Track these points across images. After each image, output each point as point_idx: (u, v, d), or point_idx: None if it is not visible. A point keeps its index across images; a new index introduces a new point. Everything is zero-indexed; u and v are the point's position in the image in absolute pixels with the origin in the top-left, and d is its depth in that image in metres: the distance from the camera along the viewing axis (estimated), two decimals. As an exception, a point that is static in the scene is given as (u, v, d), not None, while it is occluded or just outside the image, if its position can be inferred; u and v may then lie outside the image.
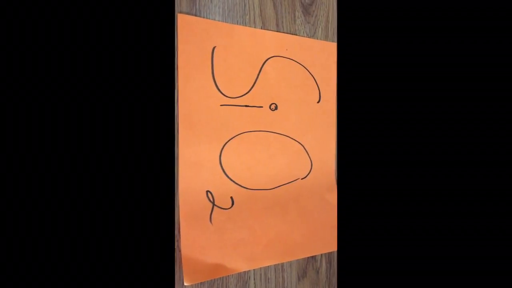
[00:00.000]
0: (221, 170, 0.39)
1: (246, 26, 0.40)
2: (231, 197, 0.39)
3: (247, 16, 0.40)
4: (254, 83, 0.41)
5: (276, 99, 0.43)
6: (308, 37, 0.45)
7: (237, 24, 0.40)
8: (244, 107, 0.40)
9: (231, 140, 0.40)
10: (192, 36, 0.37)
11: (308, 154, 0.45)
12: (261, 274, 0.41)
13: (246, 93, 0.41)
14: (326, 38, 0.46)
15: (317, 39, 0.46)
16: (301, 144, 0.45)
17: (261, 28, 0.41)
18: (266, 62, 0.42)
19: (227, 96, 0.39)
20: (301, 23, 0.44)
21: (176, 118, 0.36)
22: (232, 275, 0.39)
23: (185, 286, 0.35)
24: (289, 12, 0.43)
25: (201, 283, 0.37)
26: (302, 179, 0.45)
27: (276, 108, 0.43)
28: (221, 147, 0.39)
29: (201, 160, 0.38)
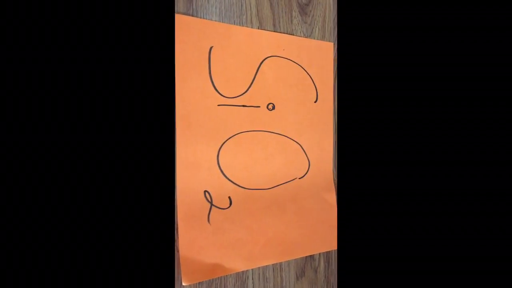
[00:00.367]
0: (219, 170, 0.39)
1: (243, 26, 0.40)
2: (229, 197, 0.39)
3: (244, 16, 0.40)
4: (252, 83, 0.41)
5: (273, 99, 0.43)
6: (305, 37, 0.45)
7: (234, 24, 0.40)
8: (242, 107, 0.40)
9: (228, 140, 0.40)
10: (189, 36, 0.37)
11: (305, 154, 0.46)
12: (259, 274, 0.41)
13: (244, 93, 0.41)
14: (323, 38, 0.46)
15: (314, 39, 0.46)
16: (299, 144, 0.45)
17: (258, 28, 0.41)
18: (263, 62, 0.42)
19: (224, 96, 0.39)
20: (298, 23, 0.44)
21: (174, 118, 0.36)
22: (231, 275, 0.39)
23: (183, 286, 0.35)
24: (286, 12, 0.43)
25: (199, 283, 0.37)
26: (299, 178, 0.45)
27: (273, 108, 0.43)
28: (219, 147, 0.39)
29: (199, 160, 0.38)
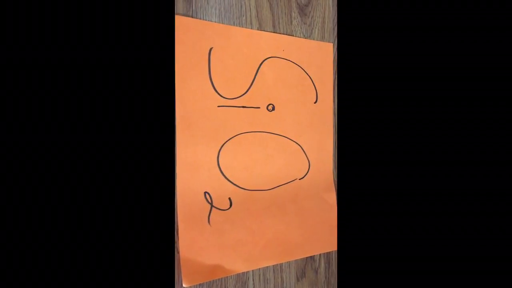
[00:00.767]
0: (219, 171, 0.39)
1: (242, 27, 0.40)
2: (229, 198, 0.39)
3: (244, 17, 0.40)
4: (251, 84, 0.41)
5: (273, 100, 0.43)
6: (305, 38, 0.45)
7: (234, 25, 0.40)
8: (241, 108, 0.40)
9: (228, 141, 0.40)
10: (189, 37, 0.37)
11: (305, 154, 0.46)
12: (260, 275, 0.41)
13: (243, 94, 0.41)
14: (322, 38, 0.47)
15: (314, 39, 0.46)
16: (299, 145, 0.45)
17: (258, 29, 0.41)
18: (263, 63, 0.42)
19: (224, 97, 0.39)
20: (298, 24, 0.45)
21: (174, 119, 0.36)
22: (231, 276, 0.39)
23: (184, 287, 0.35)
24: (285, 13, 0.43)
25: (200, 284, 0.37)
26: (300, 179, 0.45)
27: (273, 108, 0.43)
28: (219, 148, 0.39)
29: (199, 161, 0.38)
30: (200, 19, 0.38)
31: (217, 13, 0.39)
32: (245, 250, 0.39)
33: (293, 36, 0.44)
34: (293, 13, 0.44)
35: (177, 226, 0.35)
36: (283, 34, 0.43)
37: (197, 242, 0.36)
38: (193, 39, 0.37)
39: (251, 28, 0.41)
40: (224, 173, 0.39)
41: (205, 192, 0.38)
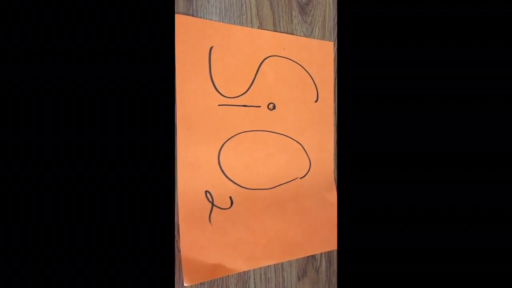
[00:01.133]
0: (219, 170, 0.39)
1: (243, 26, 0.40)
2: (230, 197, 0.39)
3: (244, 16, 0.40)
4: (252, 83, 0.41)
5: (274, 99, 0.43)
6: (305, 37, 0.45)
7: (234, 24, 0.40)
8: (242, 107, 0.40)
9: (229, 140, 0.40)
10: (189, 36, 0.37)
11: (306, 153, 0.46)
12: (261, 274, 0.41)
13: (244, 93, 0.41)
14: (323, 37, 0.46)
15: (314, 38, 0.46)
16: (300, 144, 0.45)
17: (258, 28, 0.41)
18: (264, 61, 0.42)
19: (225, 96, 0.39)
20: (298, 23, 0.44)
21: (174, 118, 0.36)
22: (232, 275, 0.39)
23: (185, 286, 0.35)
24: (286, 12, 0.43)
25: (201, 283, 0.37)
26: (300, 178, 0.45)
27: (274, 107, 0.43)
28: (220, 147, 0.39)
29: (200, 161, 0.38)
30: (200, 18, 0.38)
31: (218, 12, 0.39)
32: (246, 249, 0.39)
33: (293, 35, 0.44)
34: (293, 12, 0.44)
35: (178, 225, 0.35)
36: (284, 33, 0.43)
37: (198, 241, 0.36)
38: (193, 38, 0.37)
39: (252, 27, 0.41)
40: (225, 172, 0.39)
41: (206, 191, 0.38)
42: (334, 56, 0.47)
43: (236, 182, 0.40)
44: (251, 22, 0.41)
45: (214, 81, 0.38)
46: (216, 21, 0.38)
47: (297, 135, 0.45)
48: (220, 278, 0.38)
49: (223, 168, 0.39)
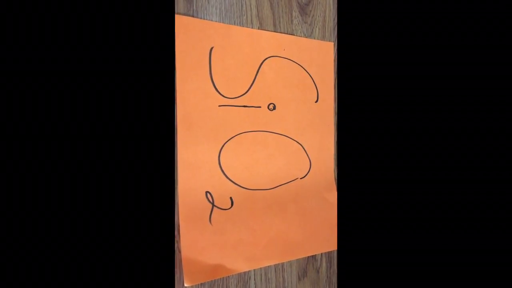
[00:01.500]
0: (220, 171, 0.39)
1: (243, 26, 0.40)
2: (231, 198, 0.39)
3: (244, 17, 0.40)
4: (252, 83, 0.41)
5: (274, 99, 0.43)
6: (305, 37, 0.45)
7: (235, 24, 0.40)
8: (242, 108, 0.40)
9: (229, 141, 0.40)
10: (190, 37, 0.37)
11: (306, 154, 0.46)
12: (261, 274, 0.41)
13: (244, 93, 0.41)
14: (323, 37, 0.46)
15: (314, 38, 0.46)
16: (300, 144, 0.45)
17: (258, 29, 0.41)
18: (264, 62, 0.42)
19: (225, 97, 0.39)
20: (298, 23, 0.45)
21: (175, 119, 0.36)
22: (233, 275, 0.39)
23: (186, 286, 0.35)
24: (286, 12, 0.43)
25: (201, 283, 0.37)
26: (301, 178, 0.45)
27: (274, 108, 0.43)
28: (220, 147, 0.39)
29: (200, 161, 0.38)
30: (200, 18, 0.38)
31: (218, 13, 0.39)
32: (247, 250, 0.39)
33: (294, 35, 0.44)
34: (293, 12, 0.44)
35: (179, 225, 0.35)
36: (284, 33, 0.43)
37: (198, 242, 0.36)
38: (193, 39, 0.37)
39: (252, 28, 0.41)
40: (225, 173, 0.39)
41: (207, 192, 0.38)
42: (334, 57, 0.47)
43: (236, 182, 0.40)
44: (251, 23, 0.41)
45: (214, 82, 0.38)
46: (216, 21, 0.39)
47: (297, 135, 0.45)
48: (220, 278, 0.38)
49: (223, 169, 0.39)
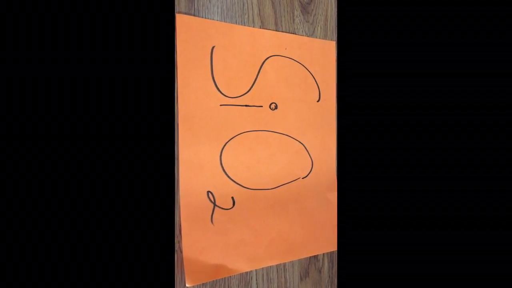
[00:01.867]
0: (221, 170, 0.39)
1: (245, 25, 0.40)
2: (232, 197, 0.39)
3: (246, 16, 0.40)
4: (254, 82, 0.41)
5: (275, 99, 0.42)
6: (307, 36, 0.45)
7: (236, 23, 0.40)
8: (244, 107, 0.40)
9: (231, 140, 0.40)
10: (191, 36, 0.37)
11: (308, 153, 0.45)
12: (263, 275, 0.41)
13: (246, 92, 0.40)
14: (325, 36, 0.46)
15: (316, 38, 0.45)
16: (302, 143, 0.45)
17: (260, 28, 0.41)
18: (266, 61, 0.42)
19: (226, 96, 0.39)
20: (300, 22, 0.44)
21: (176, 118, 0.36)
22: (234, 275, 0.39)
23: (187, 287, 0.35)
24: (287, 11, 0.43)
25: (203, 284, 0.36)
26: (302, 178, 0.45)
27: (276, 107, 0.43)
28: (221, 147, 0.39)
29: (202, 161, 0.37)
30: (202, 17, 0.37)
31: (219, 12, 0.39)
32: (248, 250, 0.39)
33: (295, 34, 0.44)
34: (295, 11, 0.44)
35: (180, 225, 0.35)
36: (286, 32, 0.43)
37: (200, 242, 0.36)
38: (195, 38, 0.37)
39: (253, 27, 0.41)
40: (227, 172, 0.39)
41: (208, 192, 0.38)
42: (336, 56, 0.47)
43: (238, 182, 0.40)
44: (253, 22, 0.41)
45: (215, 81, 0.38)
46: (217, 20, 0.38)
47: (299, 135, 0.45)
48: (222, 278, 0.38)
49: (225, 168, 0.39)
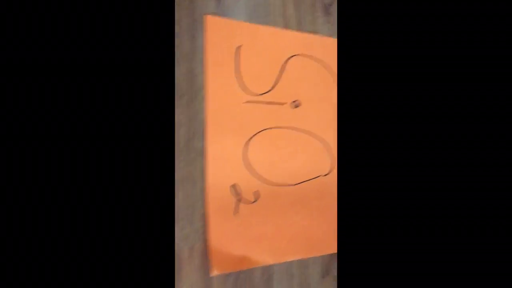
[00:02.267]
0: (245, 165, 0.40)
1: (269, 25, 0.42)
2: (256, 192, 0.40)
3: (270, 16, 0.42)
4: (277, 81, 0.42)
5: (298, 96, 0.44)
6: (329, 36, 0.46)
7: (261, 24, 0.41)
8: (267, 104, 0.42)
9: (255, 136, 0.41)
10: (218, 36, 0.38)
11: (329, 152, 0.46)
12: (285, 268, 0.42)
13: (269, 90, 0.42)
14: (346, 37, 0.47)
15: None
16: (323, 141, 0.46)
17: (283, 28, 0.43)
18: (288, 60, 0.43)
19: (251, 94, 0.41)
20: (322, 23, 0.46)
21: (204, 114, 0.37)
22: (257, 268, 0.39)
23: (212, 276, 0.36)
24: (310, 12, 0.44)
25: (227, 274, 0.37)
26: (324, 176, 0.45)
27: (298, 105, 0.44)
28: (245, 143, 0.40)
29: (227, 155, 0.39)
30: (228, 18, 0.39)
31: (245, 12, 0.40)
32: (271, 243, 0.40)
33: (317, 34, 0.45)
34: (317, 12, 0.45)
35: (207, 217, 0.36)
36: (308, 32, 0.44)
37: (225, 233, 0.37)
38: (222, 38, 0.39)
39: (277, 27, 0.42)
40: (250, 168, 0.40)
41: (232, 185, 0.39)
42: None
43: (261, 177, 0.41)
44: (277, 22, 0.42)
45: (240, 79, 0.40)
46: (243, 21, 0.40)
47: (321, 132, 0.45)
48: (245, 270, 0.38)
49: (248, 164, 0.40)
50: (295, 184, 0.43)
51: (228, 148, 0.39)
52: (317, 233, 0.44)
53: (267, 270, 0.40)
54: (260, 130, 0.41)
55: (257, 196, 0.40)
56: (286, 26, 0.43)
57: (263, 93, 0.41)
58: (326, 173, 0.46)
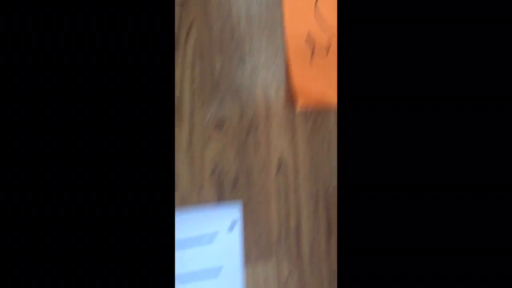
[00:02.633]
0: (318, 17, 0.42)
1: None
2: (328, 48, 0.44)
3: None
4: None
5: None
6: None
7: None
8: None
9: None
10: None
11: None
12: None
13: None
14: None
15: None
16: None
17: None
18: None
19: None
20: None
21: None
22: (333, 113, 0.44)
23: (298, 112, 0.41)
24: None
25: (308, 117, 0.42)
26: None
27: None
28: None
29: (302, 7, 0.42)
30: None
31: None
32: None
33: None
34: None
35: (288, 59, 0.41)
36: None
37: (304, 76, 0.41)
38: None
39: None
40: (323, 19, 0.43)
41: (308, 36, 0.42)
42: None
43: (332, 32, 0.44)
44: None
45: None
46: None
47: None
48: (322, 113, 0.43)
49: (320, 16, 0.43)
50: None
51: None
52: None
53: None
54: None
55: (328, 51, 0.44)
56: None
57: None
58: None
